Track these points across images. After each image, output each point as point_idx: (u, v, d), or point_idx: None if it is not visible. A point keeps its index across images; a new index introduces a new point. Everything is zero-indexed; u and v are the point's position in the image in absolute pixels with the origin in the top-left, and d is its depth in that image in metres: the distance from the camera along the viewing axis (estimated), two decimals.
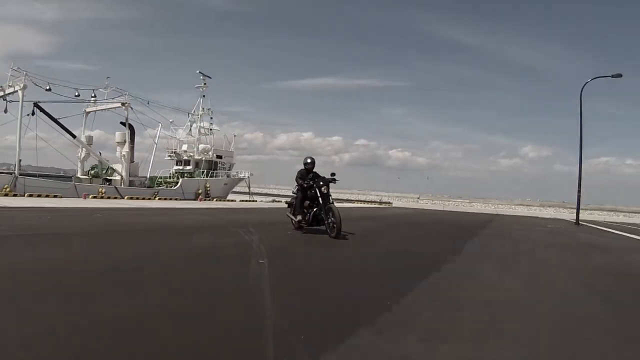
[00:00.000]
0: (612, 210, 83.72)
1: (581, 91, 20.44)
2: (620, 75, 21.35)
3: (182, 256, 4.64)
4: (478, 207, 52.99)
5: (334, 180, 8.25)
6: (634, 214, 65.78)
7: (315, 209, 8.07)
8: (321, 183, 8.07)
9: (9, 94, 20.92)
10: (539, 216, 30.45)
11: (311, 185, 8.13)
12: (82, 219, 8.24)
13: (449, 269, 4.85)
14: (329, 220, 7.67)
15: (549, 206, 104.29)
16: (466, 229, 12.17)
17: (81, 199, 17.38)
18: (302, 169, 8.54)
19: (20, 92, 20.38)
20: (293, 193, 8.80)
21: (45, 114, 21.82)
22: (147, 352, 1.88)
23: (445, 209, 34.50)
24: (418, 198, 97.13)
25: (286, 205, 9.28)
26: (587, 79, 20.94)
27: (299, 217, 8.16)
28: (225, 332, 2.19)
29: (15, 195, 17.12)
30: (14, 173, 19.83)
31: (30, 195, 17.54)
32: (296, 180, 8.45)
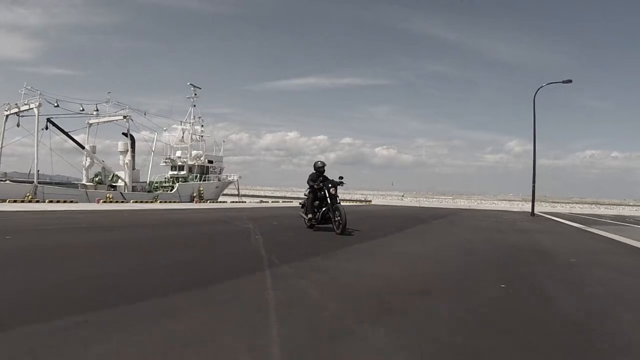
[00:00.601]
0: (593, 204, 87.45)
1: (534, 96, 23.37)
2: (570, 81, 24.68)
3: (207, 234, 7.59)
4: (461, 203, 56.20)
5: (341, 183, 9.03)
6: (615, 207, 69.29)
7: (324, 209, 8.80)
8: (330, 185, 8.81)
9: (24, 111, 23.55)
10: (509, 210, 33.64)
11: (321, 187, 8.83)
12: (125, 217, 11.06)
13: (381, 240, 7.83)
14: (336, 218, 8.43)
15: (530, 201, 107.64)
16: (421, 220, 15.13)
17: (95, 203, 20.06)
18: (313, 172, 9.21)
19: (36, 110, 23.02)
20: (305, 195, 9.52)
21: (57, 128, 24.51)
22: (205, 269, 4.83)
23: (421, 206, 37.60)
24: (402, 196, 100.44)
25: (300, 206, 10.03)
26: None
27: (310, 216, 8.96)
28: (241, 260, 5.14)
29: (37, 201, 19.75)
30: (34, 182, 22.46)
31: (51, 201, 20.15)
32: (308, 182, 9.15)
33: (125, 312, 2.49)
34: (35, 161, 23.16)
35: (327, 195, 8.67)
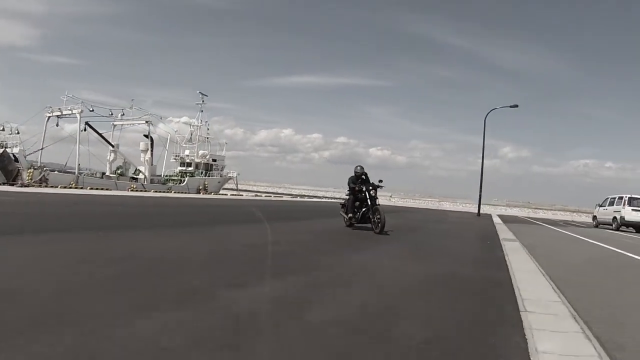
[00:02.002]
0: (574, 212, 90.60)
1: (485, 117, 28.40)
2: (516, 106, 30.01)
3: (233, 213, 13.02)
4: (445, 206, 61.04)
5: (380, 186, 9.51)
6: (589, 214, 72.58)
7: (364, 209, 9.24)
8: (370, 187, 9.27)
9: (66, 115, 28.87)
10: (470, 211, 39.07)
11: (362, 189, 9.28)
12: (172, 200, 16.42)
13: (329, 220, 13.31)
14: (375, 218, 8.88)
15: (514, 206, 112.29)
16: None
17: (127, 191, 25.37)
18: (352, 176, 9.67)
19: (78, 115, 28.39)
20: (346, 195, 10.00)
21: (93, 130, 29.88)
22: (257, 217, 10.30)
23: (399, 205, 43.17)
24: (390, 196, 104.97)
25: (340, 206, 10.53)
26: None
27: (350, 215, 9.43)
28: (241, 253, 10.58)
29: (81, 188, 25.02)
30: (75, 173, 27.78)
31: (92, 188, 25.42)
32: (348, 184, 9.62)
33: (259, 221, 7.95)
34: (77, 156, 28.58)
35: (368, 197, 9.17)
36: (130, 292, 2.75)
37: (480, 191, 29.27)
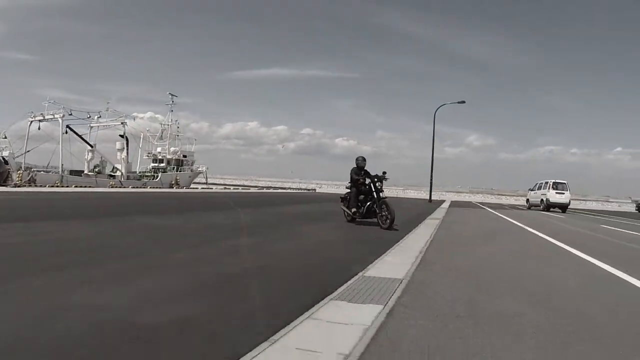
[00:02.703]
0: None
1: (434, 114, 32.00)
2: (463, 102, 34.32)
3: (207, 202, 16.68)
4: (410, 194, 64.81)
5: (385, 178, 8.98)
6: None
7: (369, 203, 8.81)
8: (376, 180, 8.80)
9: (49, 119, 31.40)
10: (424, 198, 43.63)
11: (365, 182, 8.84)
12: (163, 194, 19.82)
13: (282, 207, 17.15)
14: (383, 213, 8.43)
15: (477, 193, 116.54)
16: (327, 199, 24.61)
17: (109, 188, 28.29)
18: (354, 167, 9.25)
19: (60, 120, 31.00)
20: (347, 188, 9.54)
21: (73, 132, 32.48)
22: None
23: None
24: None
25: (340, 200, 10.07)
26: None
27: (354, 210, 8.91)
28: (226, 226, 14.33)
29: (67, 186, 27.77)
30: (59, 172, 30.47)
31: (76, 186, 28.20)
32: (351, 175, 9.15)
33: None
34: (60, 157, 31.12)
35: (374, 190, 8.76)
36: (195, 237, 6.57)
37: (431, 179, 33.03)
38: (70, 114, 32.28)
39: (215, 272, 3.78)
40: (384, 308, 2.74)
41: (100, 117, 35.26)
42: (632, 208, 52.56)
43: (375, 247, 5.68)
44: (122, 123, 35.80)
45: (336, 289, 3.20)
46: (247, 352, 1.92)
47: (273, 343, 2.05)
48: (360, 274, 3.86)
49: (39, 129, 32.15)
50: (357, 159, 9.38)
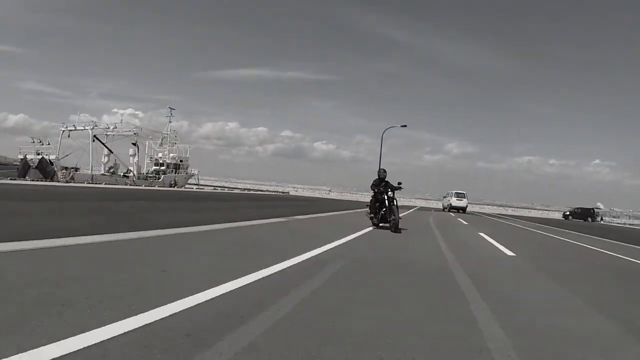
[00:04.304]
0: (501, 206, 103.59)
1: (382, 135, 41.52)
2: (405, 126, 43.81)
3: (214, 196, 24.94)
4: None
5: (399, 188, 10.18)
6: (514, 208, 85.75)
7: (383, 210, 10.01)
8: (388, 190, 10.00)
9: (79, 129, 38.74)
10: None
11: (381, 192, 10.09)
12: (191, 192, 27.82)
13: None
14: (391, 218, 9.61)
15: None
16: (288, 199, 33.05)
17: (142, 187, 35.86)
18: (376, 179, 10.46)
19: (90, 130, 38.38)
20: (371, 197, 10.65)
21: (99, 141, 39.83)
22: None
23: (334, 198, 56.20)
24: (330, 190, 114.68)
25: (367, 208, 11.16)
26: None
27: (371, 216, 10.34)
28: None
29: (97, 183, 35.23)
30: (90, 172, 37.91)
31: (107, 184, 35.65)
32: (371, 187, 10.46)
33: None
34: (90, 161, 38.59)
35: (386, 199, 9.77)
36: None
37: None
38: (96, 126, 39.74)
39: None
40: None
41: (116, 127, 42.63)
42: (557, 215, 63.17)
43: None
44: (134, 133, 43.29)
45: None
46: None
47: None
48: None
49: (68, 136, 39.40)
50: (378, 172, 10.53)
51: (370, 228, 9.86)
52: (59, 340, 1.88)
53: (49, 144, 37.49)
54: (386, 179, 10.43)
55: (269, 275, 3.75)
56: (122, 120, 43.13)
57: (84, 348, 1.83)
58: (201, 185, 56.14)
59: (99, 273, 3.28)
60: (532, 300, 3.89)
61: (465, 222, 18.66)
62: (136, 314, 2.33)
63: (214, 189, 55.34)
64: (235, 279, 3.43)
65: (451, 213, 32.09)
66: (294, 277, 3.79)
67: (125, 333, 2.05)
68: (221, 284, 3.21)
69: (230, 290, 3.09)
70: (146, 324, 2.20)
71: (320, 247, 5.87)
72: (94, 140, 39.30)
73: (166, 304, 2.56)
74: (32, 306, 2.33)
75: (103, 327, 2.08)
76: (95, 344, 1.88)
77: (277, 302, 2.88)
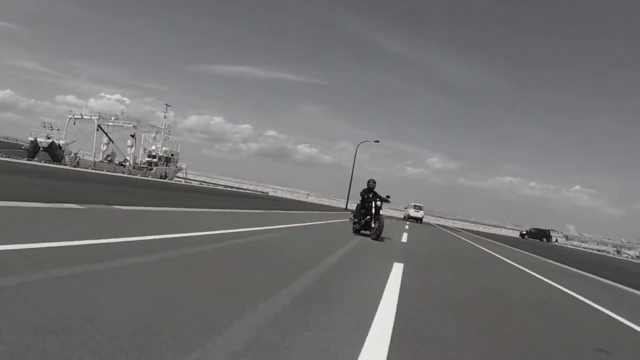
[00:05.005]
0: (473, 222, 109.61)
1: (356, 149, 47.08)
2: (378, 141, 49.32)
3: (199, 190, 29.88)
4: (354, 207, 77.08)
5: (387, 200, 10.74)
6: (485, 226, 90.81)
7: (367, 218, 10.50)
8: (377, 199, 10.40)
9: (85, 118, 43.18)
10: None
11: (370, 200, 10.54)
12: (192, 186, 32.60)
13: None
14: (375, 226, 10.06)
15: None
16: (257, 196, 38.06)
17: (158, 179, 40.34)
18: (365, 188, 10.85)
19: (95, 120, 42.83)
20: (358, 204, 11.06)
21: (102, 130, 44.29)
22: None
23: (311, 202, 61.29)
24: (308, 194, 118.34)
25: (351, 213, 11.74)
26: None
27: (355, 220, 10.80)
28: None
29: (101, 170, 39.65)
30: (92, 159, 42.29)
31: (107, 171, 40.07)
32: (361, 194, 10.81)
33: None
34: (94, 148, 42.81)
35: (373, 207, 10.27)
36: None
37: (349, 193, 47.83)
38: (100, 117, 44.27)
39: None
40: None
41: (117, 119, 47.12)
42: (516, 234, 68.54)
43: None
44: (134, 126, 47.83)
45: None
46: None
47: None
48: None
49: (74, 124, 43.75)
50: (368, 181, 10.83)
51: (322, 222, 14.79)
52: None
53: (58, 130, 41.91)
54: (375, 190, 10.80)
55: (237, 231, 8.80)
56: (123, 112, 47.63)
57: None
58: (188, 179, 60.66)
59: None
60: (411, 254, 8.92)
61: (406, 227, 24.10)
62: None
63: (200, 183, 59.97)
64: (220, 230, 8.48)
65: (407, 222, 37.48)
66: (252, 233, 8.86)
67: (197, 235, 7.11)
68: (214, 230, 8.26)
69: (223, 232, 8.13)
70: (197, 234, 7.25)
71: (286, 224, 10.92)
72: (97, 130, 43.80)
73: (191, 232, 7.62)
74: None
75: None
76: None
77: (237, 239, 7.94)
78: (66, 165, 36.89)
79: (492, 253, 14.64)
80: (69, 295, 2.49)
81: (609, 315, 5.41)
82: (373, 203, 10.40)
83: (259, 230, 8.68)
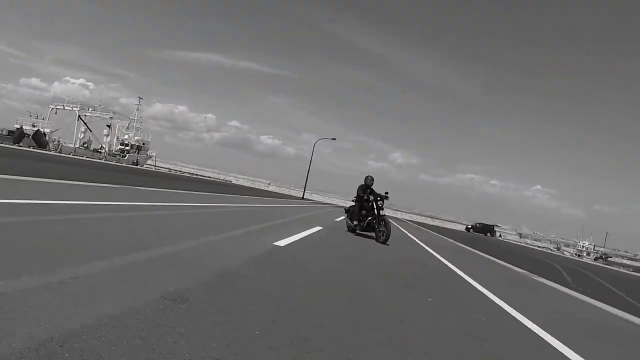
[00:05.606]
0: (429, 217, 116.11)
1: (313, 146, 53.83)
2: (334, 139, 56.41)
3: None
4: (314, 197, 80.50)
5: (387, 197, 10.07)
6: (439, 220, 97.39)
7: (369, 218, 9.86)
8: (378, 198, 9.83)
9: (67, 109, 48.31)
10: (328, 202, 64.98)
11: (370, 199, 9.92)
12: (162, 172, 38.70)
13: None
14: (381, 229, 9.43)
15: None
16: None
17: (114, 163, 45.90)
18: (362, 184, 10.28)
19: (77, 111, 48.00)
20: (352, 201, 10.65)
21: (82, 120, 49.47)
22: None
23: (271, 190, 67.76)
24: (269, 184, 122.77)
25: (344, 211, 11.51)
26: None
27: (355, 222, 10.12)
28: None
29: (81, 157, 44.99)
30: (73, 146, 47.45)
31: (87, 158, 45.41)
32: (357, 192, 10.28)
33: None
34: (75, 136, 48.02)
35: (375, 207, 9.76)
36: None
37: (306, 183, 54.97)
38: (81, 107, 49.54)
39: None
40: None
41: (95, 110, 52.35)
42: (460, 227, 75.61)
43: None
44: (110, 117, 53.20)
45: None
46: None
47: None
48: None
49: (55, 113, 48.83)
50: (365, 178, 10.39)
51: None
52: None
53: (43, 119, 47.01)
54: (372, 187, 10.38)
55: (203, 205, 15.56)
56: (100, 104, 52.87)
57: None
58: (158, 166, 66.28)
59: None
60: (334, 224, 15.78)
61: None
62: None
63: (169, 170, 65.72)
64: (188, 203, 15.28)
65: None
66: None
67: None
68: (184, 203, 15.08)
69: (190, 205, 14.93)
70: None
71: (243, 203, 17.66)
72: (78, 119, 48.99)
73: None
74: None
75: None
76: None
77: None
78: (50, 151, 42.20)
79: (412, 237, 16.80)
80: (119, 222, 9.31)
81: (453, 270, 7.85)
82: (374, 203, 9.92)
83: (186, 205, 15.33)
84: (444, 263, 8.84)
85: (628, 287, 14.43)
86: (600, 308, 7.20)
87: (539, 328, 4.23)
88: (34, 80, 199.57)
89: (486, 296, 5.70)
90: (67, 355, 1.67)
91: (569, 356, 3.41)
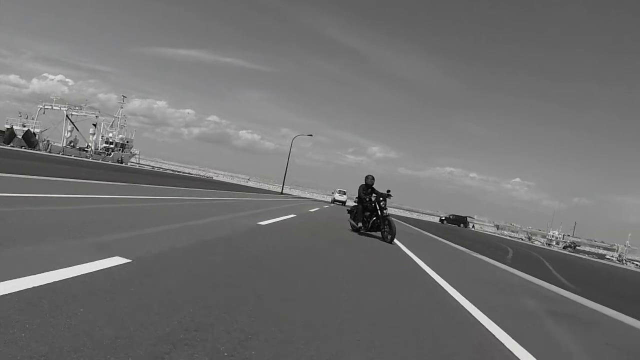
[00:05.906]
0: (408, 210, 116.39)
1: (291, 142, 57.02)
2: (311, 135, 59.92)
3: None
4: (294, 192, 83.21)
5: (389, 196, 10.04)
6: (419, 213, 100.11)
7: (374, 218, 9.89)
8: (381, 198, 9.83)
9: (55, 109, 50.45)
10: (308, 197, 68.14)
11: (372, 200, 9.92)
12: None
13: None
14: (386, 229, 9.48)
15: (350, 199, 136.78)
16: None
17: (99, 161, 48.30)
18: (363, 184, 10.25)
19: (64, 110, 50.18)
20: (355, 202, 10.67)
21: (69, 120, 51.65)
22: None
23: (251, 186, 70.64)
24: (249, 179, 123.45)
25: (347, 212, 11.46)
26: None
27: (360, 224, 10.18)
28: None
29: (70, 156, 47.23)
30: (61, 145, 49.64)
31: (76, 157, 47.68)
32: (359, 193, 10.23)
33: None
34: (63, 135, 50.02)
35: (378, 208, 9.81)
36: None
37: (284, 178, 58.19)
38: (68, 108, 51.72)
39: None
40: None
41: (81, 109, 54.50)
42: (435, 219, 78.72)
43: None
44: (96, 116, 55.53)
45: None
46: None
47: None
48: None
49: (44, 113, 50.93)
50: (366, 177, 10.38)
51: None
52: None
53: (33, 119, 49.06)
54: (373, 186, 10.36)
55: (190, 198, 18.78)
56: (86, 104, 55.03)
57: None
58: (141, 164, 68.64)
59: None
60: (307, 214, 19.13)
61: (325, 206, 32.96)
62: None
63: (152, 168, 68.16)
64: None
65: (331, 204, 47.18)
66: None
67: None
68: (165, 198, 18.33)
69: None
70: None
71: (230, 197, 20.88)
72: (66, 119, 51.18)
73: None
74: None
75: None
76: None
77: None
78: (40, 151, 44.47)
79: None
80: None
81: (401, 249, 8.80)
82: (377, 204, 9.99)
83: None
84: (396, 244, 9.68)
85: (562, 265, 15.40)
86: (514, 274, 7.92)
87: (437, 275, 5.44)
88: (13, 77, 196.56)
89: (414, 261, 6.88)
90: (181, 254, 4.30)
91: (445, 288, 4.79)
